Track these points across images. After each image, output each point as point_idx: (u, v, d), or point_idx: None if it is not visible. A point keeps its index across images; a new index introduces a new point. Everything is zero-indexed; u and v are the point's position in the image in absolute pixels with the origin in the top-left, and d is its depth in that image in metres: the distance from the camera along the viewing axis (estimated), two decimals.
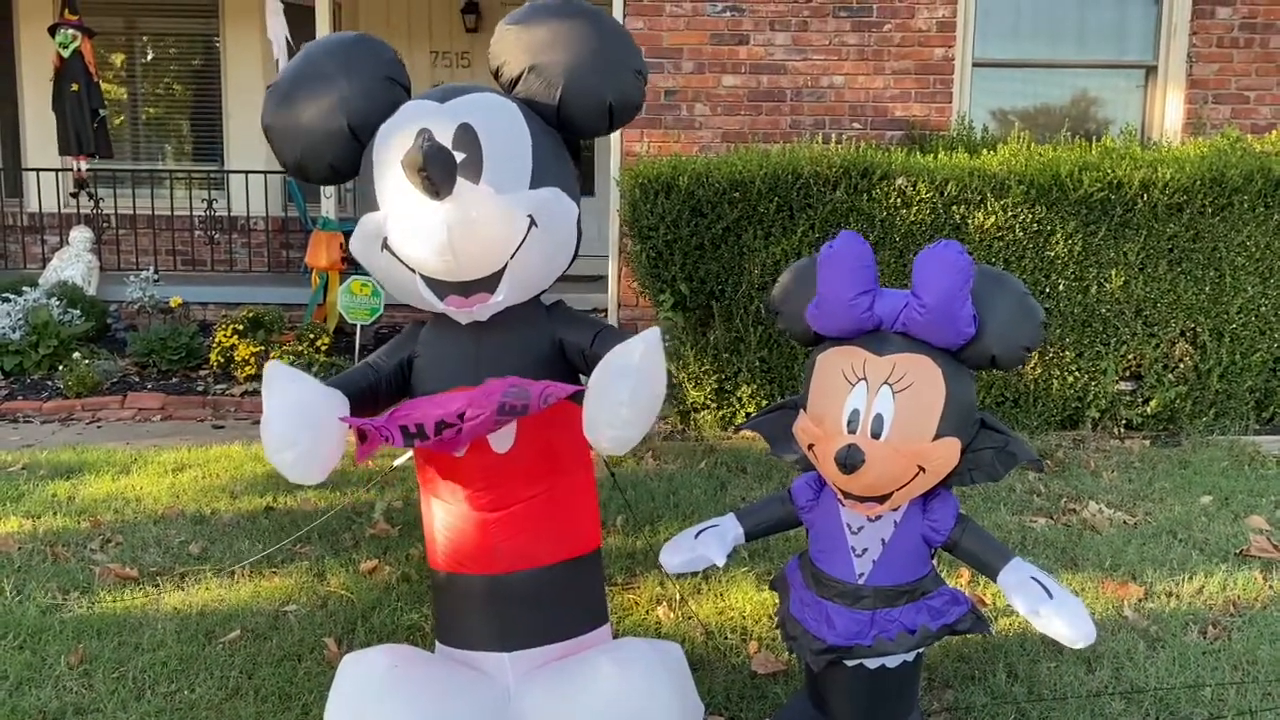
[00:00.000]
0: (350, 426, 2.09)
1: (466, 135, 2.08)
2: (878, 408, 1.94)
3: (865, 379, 1.97)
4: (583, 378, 2.34)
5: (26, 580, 3.44)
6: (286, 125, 2.24)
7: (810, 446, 2.05)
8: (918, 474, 1.96)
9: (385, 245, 2.11)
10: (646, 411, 1.99)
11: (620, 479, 4.51)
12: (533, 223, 2.08)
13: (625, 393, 1.95)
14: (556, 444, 2.28)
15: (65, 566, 3.58)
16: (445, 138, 2.05)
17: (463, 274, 2.08)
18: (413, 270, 2.11)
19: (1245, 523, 4.01)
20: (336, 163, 2.26)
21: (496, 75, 2.29)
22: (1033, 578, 2.01)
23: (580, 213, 2.24)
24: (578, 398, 2.11)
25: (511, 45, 2.24)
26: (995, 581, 2.06)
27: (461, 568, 2.30)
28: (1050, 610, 1.96)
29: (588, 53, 2.19)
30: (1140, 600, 3.30)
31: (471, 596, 2.30)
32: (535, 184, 2.12)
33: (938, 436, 1.94)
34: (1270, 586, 3.40)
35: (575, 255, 2.28)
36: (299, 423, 2.00)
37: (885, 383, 1.95)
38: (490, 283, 2.11)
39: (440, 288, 2.13)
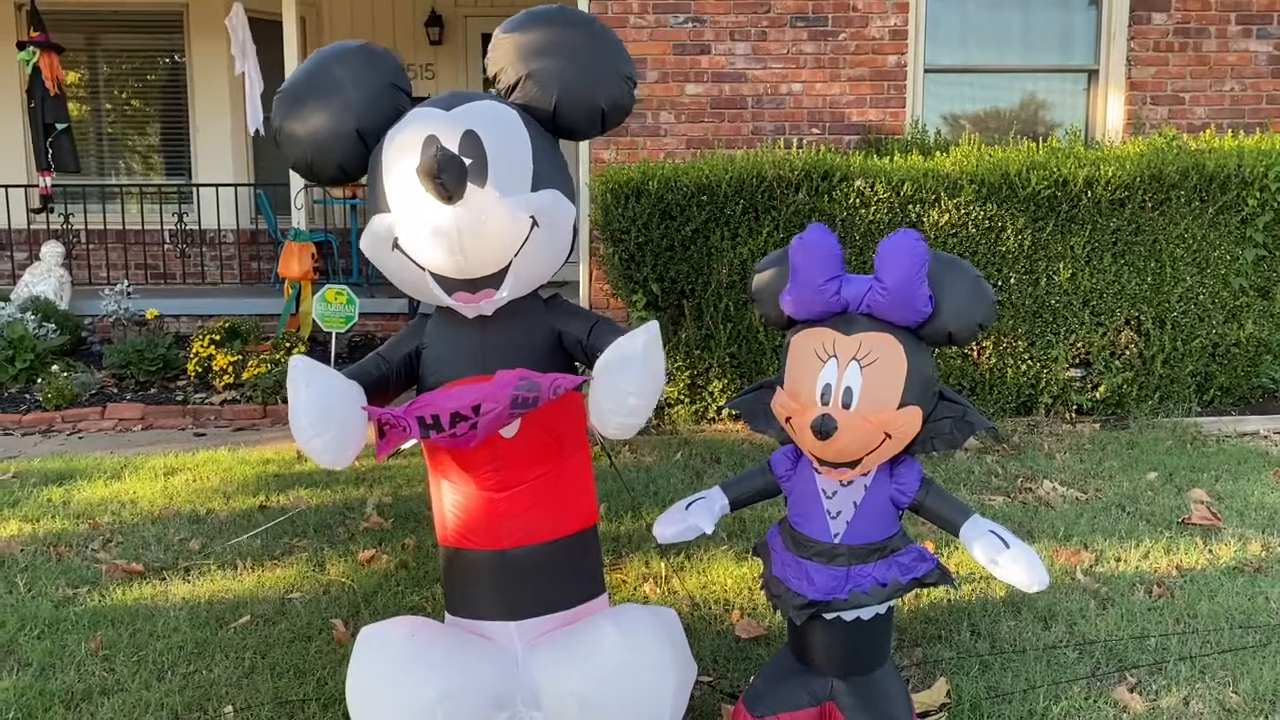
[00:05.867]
0: (370, 416, 2.25)
1: (471, 141, 2.24)
2: (847, 381, 2.16)
3: (835, 356, 2.18)
4: (579, 366, 2.53)
5: (35, 578, 3.58)
6: (296, 129, 2.38)
7: (788, 419, 2.26)
8: (884, 440, 2.18)
9: (396, 245, 2.28)
10: (650, 399, 2.20)
11: (613, 470, 4.69)
12: (535, 223, 2.26)
13: (632, 383, 2.15)
14: (558, 429, 2.46)
15: (70, 564, 3.72)
16: (451, 144, 2.21)
17: (470, 272, 2.26)
18: (422, 268, 2.29)
19: (1188, 495, 4.29)
20: (345, 164, 2.40)
21: (493, 81, 2.45)
22: (991, 530, 2.24)
23: (577, 213, 2.43)
24: (579, 386, 2.31)
25: (508, 53, 2.39)
26: (958, 536, 2.29)
27: (470, 543, 2.47)
28: (1008, 559, 2.20)
29: (581, 60, 2.34)
30: (1091, 565, 3.55)
31: (479, 570, 2.47)
32: (536, 186, 2.28)
33: (901, 405, 2.16)
34: (1210, 550, 3.67)
35: (572, 251, 2.47)
36: (326, 411, 2.16)
37: (853, 359, 2.17)
38: (495, 279, 2.29)
39: (448, 284, 2.30)
